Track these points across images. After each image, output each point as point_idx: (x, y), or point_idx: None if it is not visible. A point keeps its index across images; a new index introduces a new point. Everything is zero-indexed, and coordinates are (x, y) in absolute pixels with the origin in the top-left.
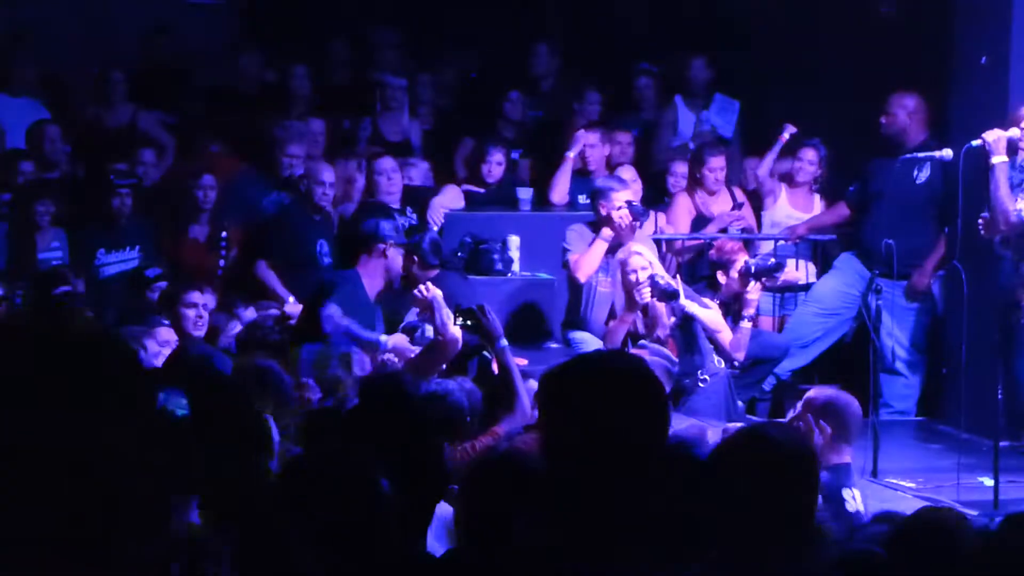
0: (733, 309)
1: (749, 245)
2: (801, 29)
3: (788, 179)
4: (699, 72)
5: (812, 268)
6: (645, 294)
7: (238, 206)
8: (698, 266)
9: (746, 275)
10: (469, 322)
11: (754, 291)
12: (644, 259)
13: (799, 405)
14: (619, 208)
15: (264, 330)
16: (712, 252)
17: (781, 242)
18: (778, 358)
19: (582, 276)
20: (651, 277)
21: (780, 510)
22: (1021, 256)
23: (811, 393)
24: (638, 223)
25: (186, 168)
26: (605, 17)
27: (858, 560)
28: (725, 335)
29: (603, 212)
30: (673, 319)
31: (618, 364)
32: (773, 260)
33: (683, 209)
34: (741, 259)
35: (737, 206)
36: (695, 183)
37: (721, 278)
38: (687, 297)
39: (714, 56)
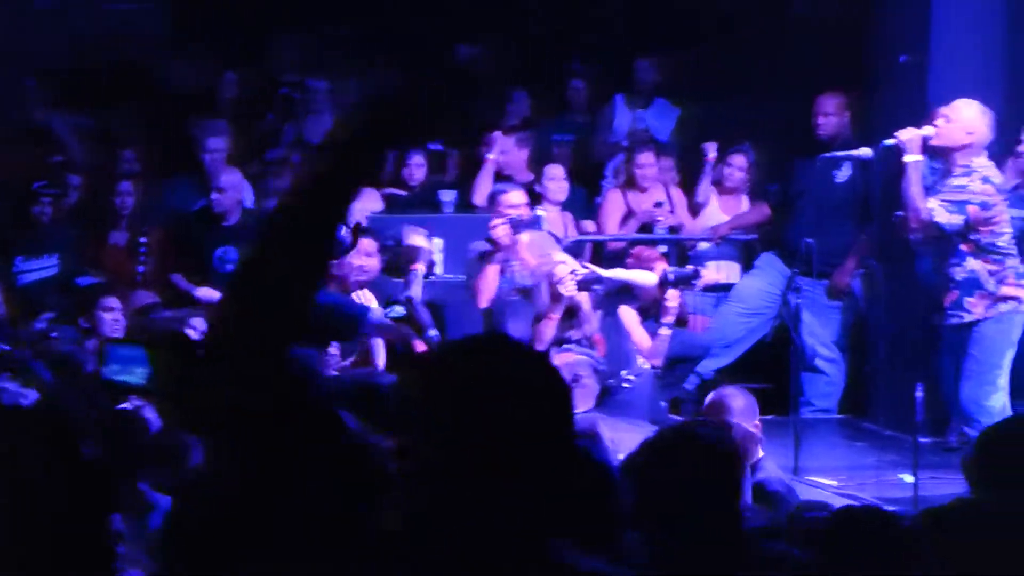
0: (651, 315)
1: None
2: (729, 31)
3: (719, 185)
4: (644, 73)
5: (737, 268)
6: (569, 287)
7: (162, 212)
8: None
9: (664, 283)
10: (401, 312)
11: (673, 299)
12: (564, 258)
13: (711, 408)
14: (497, 227)
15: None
16: (630, 260)
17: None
18: (699, 357)
19: (483, 302)
20: (573, 272)
21: (705, 509)
22: (940, 256)
23: (717, 397)
24: (521, 229)
25: (106, 174)
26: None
27: (775, 561)
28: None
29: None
30: (600, 312)
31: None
32: (691, 267)
33: (614, 207)
34: (659, 266)
35: (657, 204)
36: (627, 181)
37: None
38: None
39: (659, 59)
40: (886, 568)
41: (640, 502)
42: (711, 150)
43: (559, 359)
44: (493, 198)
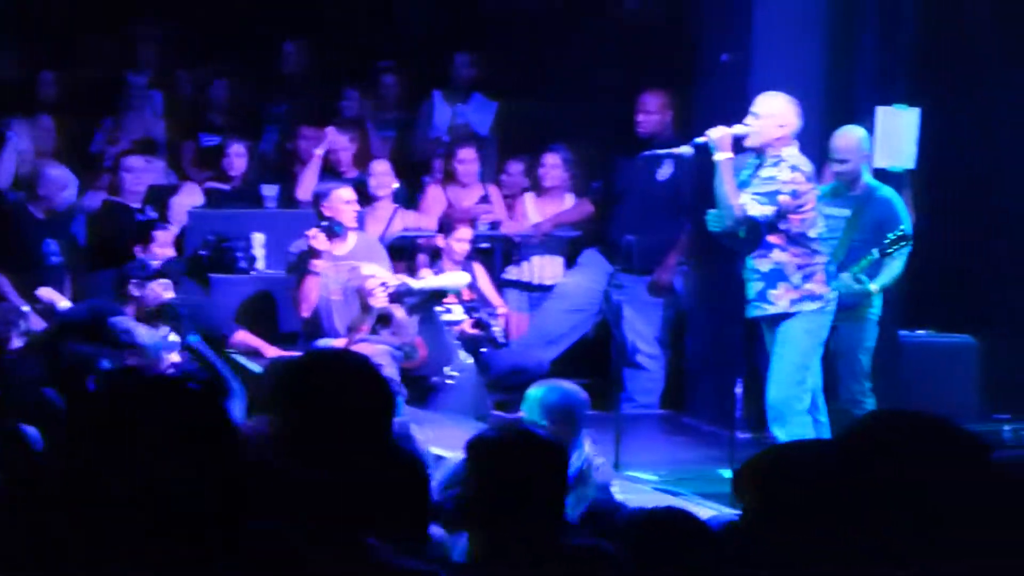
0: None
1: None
2: (552, 28)
3: (536, 186)
4: (461, 69)
5: (560, 264)
6: (380, 299)
7: None
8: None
9: (396, 297)
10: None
11: (399, 311)
12: (373, 270)
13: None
14: (313, 237)
15: None
16: (441, 217)
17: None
18: (534, 370)
19: (306, 312)
20: (383, 283)
21: (533, 500)
22: (747, 249)
23: (540, 392)
24: (340, 232)
25: None
26: (355, 16)
27: (585, 553)
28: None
29: (325, 213)
30: (416, 317)
31: (342, 359)
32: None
33: (435, 202)
34: (464, 230)
35: (483, 199)
36: (448, 176)
37: (439, 241)
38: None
39: (476, 55)
40: (691, 570)
41: (469, 497)
42: (330, 134)
43: (357, 349)
44: (323, 195)
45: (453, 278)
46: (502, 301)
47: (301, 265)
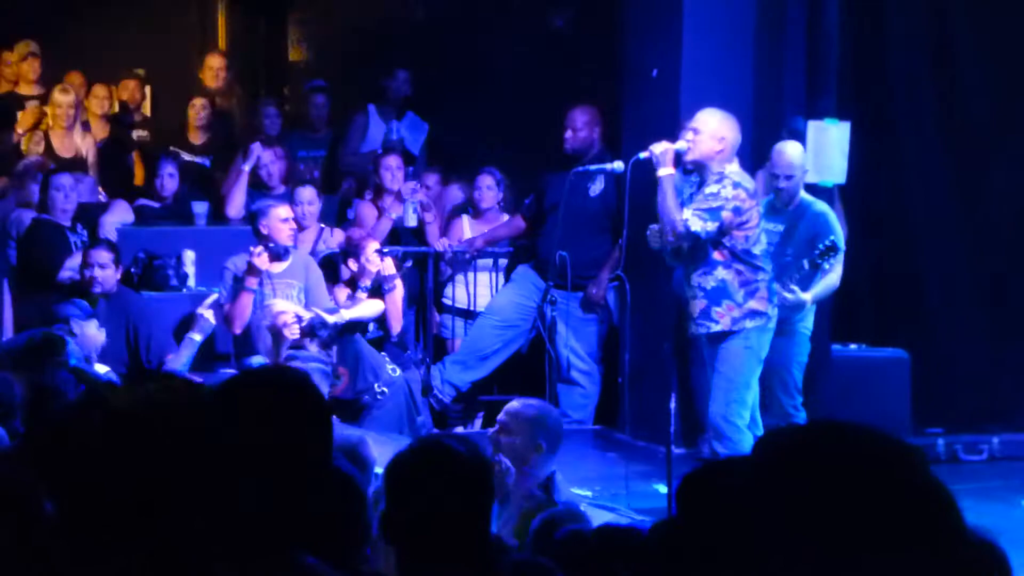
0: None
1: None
2: (479, 44)
3: (473, 207)
4: (398, 84)
5: (494, 281)
6: (293, 332)
7: None
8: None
9: (310, 330)
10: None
11: (312, 348)
12: (285, 306)
13: (505, 417)
14: (257, 255)
15: None
16: (343, 242)
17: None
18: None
19: (238, 329)
20: (296, 317)
21: (456, 520)
22: (691, 266)
23: (515, 406)
24: (285, 257)
25: None
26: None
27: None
28: (393, 309)
29: (263, 231)
30: (335, 347)
31: (279, 377)
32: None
33: (367, 214)
34: (371, 246)
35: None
36: (378, 187)
37: (352, 265)
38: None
39: (411, 72)
40: None
41: (391, 514)
42: (256, 149)
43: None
44: (261, 213)
45: (367, 308)
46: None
47: (237, 282)
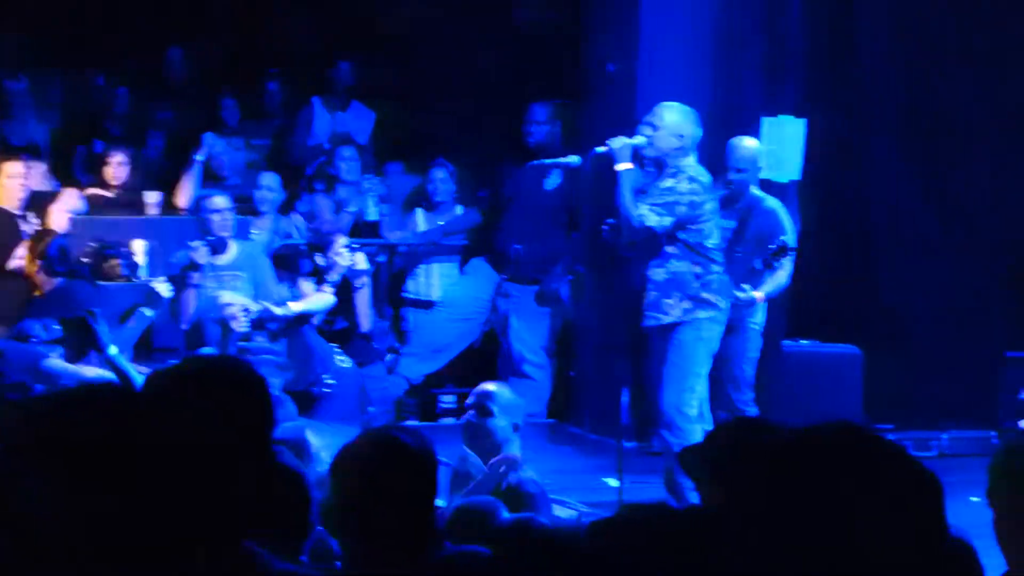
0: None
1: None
2: (442, 37)
3: (427, 200)
4: (342, 75)
5: (447, 272)
6: (241, 324)
7: None
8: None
9: (259, 323)
10: (78, 331)
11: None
12: (233, 299)
13: (477, 399)
14: (195, 250)
15: None
16: (310, 235)
17: None
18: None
19: (184, 324)
20: (244, 309)
21: (401, 509)
22: (646, 259)
23: (493, 388)
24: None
25: None
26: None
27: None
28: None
29: (203, 223)
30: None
31: (223, 365)
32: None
33: (323, 207)
34: (340, 240)
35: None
36: (331, 179)
37: (319, 259)
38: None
39: (357, 63)
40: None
41: (337, 504)
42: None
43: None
44: (199, 203)
45: (317, 301)
46: (368, 315)
47: (181, 277)
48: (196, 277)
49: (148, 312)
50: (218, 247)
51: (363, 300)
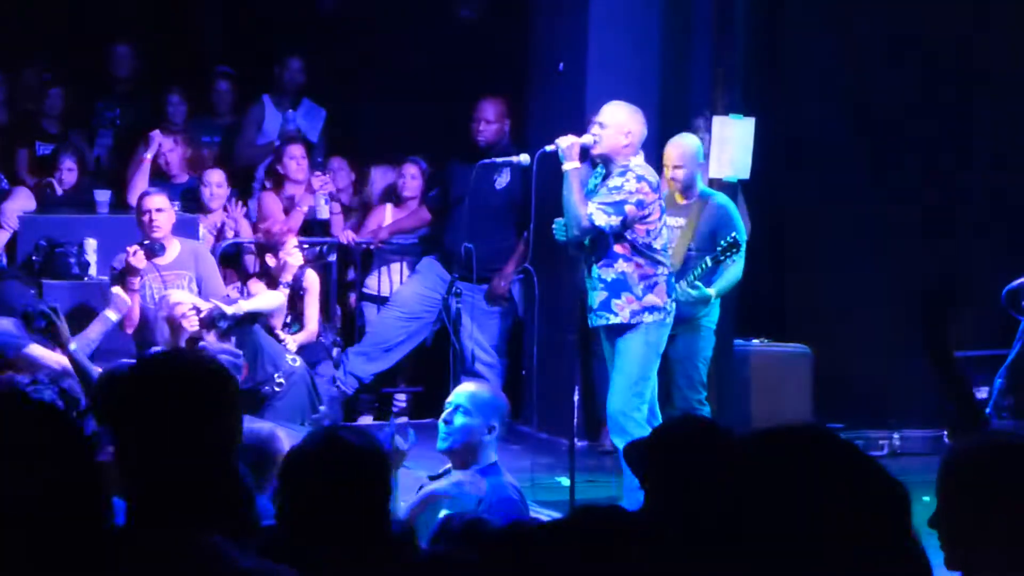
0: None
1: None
2: (388, 33)
3: (395, 196)
4: (292, 73)
5: (402, 270)
6: (192, 323)
7: None
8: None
9: (209, 322)
10: (42, 324)
11: (210, 338)
12: (182, 297)
13: (460, 398)
14: (134, 253)
15: None
16: (260, 235)
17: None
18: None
19: (129, 329)
20: (194, 308)
21: (352, 511)
22: (593, 259)
23: (471, 387)
24: (160, 253)
25: None
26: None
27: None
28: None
29: (141, 224)
30: (233, 339)
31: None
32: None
33: (272, 206)
34: (291, 240)
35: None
36: (279, 178)
37: (270, 260)
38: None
39: (307, 60)
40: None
41: (284, 506)
42: (156, 137)
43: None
44: (136, 205)
45: (267, 299)
46: (316, 317)
47: (121, 283)
48: (136, 283)
49: (112, 316)
50: (156, 249)
51: (313, 306)
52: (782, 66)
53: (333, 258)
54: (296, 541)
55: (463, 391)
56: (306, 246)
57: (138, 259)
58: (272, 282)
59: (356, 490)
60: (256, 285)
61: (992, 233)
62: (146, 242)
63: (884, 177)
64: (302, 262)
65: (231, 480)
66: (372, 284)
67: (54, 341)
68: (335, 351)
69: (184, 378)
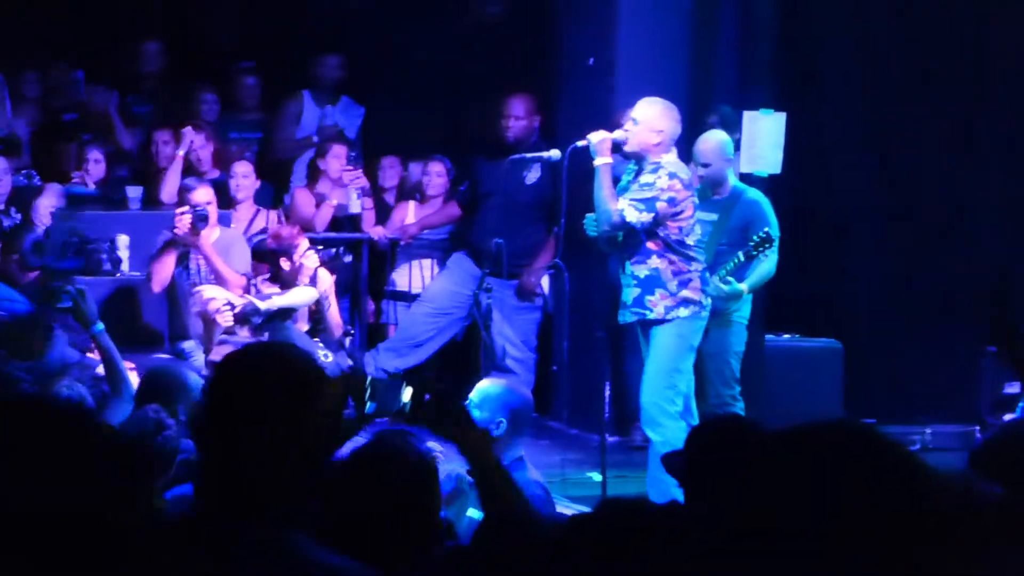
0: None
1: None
2: (408, 32)
3: (420, 193)
4: (330, 70)
5: (431, 267)
6: (226, 319)
7: None
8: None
9: (243, 317)
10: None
11: (243, 334)
12: (216, 293)
13: (472, 394)
14: (182, 214)
15: None
16: (270, 240)
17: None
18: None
19: (156, 286)
20: (228, 304)
21: (401, 514)
22: (626, 255)
23: (484, 383)
24: (202, 225)
25: None
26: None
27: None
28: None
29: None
30: (267, 333)
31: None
32: (255, 306)
33: (305, 204)
34: (303, 244)
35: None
36: (318, 174)
37: (285, 264)
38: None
39: (345, 57)
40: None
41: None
42: (188, 134)
43: (219, 351)
44: (180, 194)
45: (300, 295)
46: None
47: (164, 245)
48: (177, 247)
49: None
50: (203, 216)
51: (331, 301)
52: (808, 61)
53: (349, 259)
54: (345, 541)
55: (477, 387)
56: (320, 247)
57: (183, 222)
58: (285, 286)
59: (404, 493)
60: (269, 288)
61: None
62: (198, 208)
63: (908, 173)
64: (318, 264)
65: (318, 478)
66: (401, 281)
67: (79, 320)
68: (347, 340)
69: (294, 372)
